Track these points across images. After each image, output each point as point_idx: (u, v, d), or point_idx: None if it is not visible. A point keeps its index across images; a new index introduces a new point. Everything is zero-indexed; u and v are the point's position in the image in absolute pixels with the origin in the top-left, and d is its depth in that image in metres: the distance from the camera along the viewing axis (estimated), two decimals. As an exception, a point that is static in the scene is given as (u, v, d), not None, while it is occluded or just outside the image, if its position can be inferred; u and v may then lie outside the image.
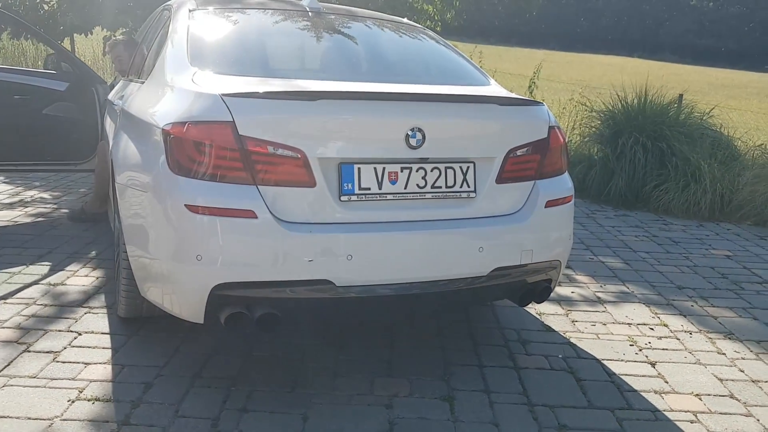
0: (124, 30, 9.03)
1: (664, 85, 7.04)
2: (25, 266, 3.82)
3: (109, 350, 2.86)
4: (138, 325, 3.08)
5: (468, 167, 2.63)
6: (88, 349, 2.87)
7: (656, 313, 3.60)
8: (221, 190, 2.35)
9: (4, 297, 3.36)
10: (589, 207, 6.24)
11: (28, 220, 4.85)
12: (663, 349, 3.16)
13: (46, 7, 8.92)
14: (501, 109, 2.72)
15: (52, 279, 3.65)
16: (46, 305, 3.29)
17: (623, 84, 7.03)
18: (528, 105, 2.83)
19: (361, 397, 2.59)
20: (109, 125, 3.80)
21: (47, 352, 2.80)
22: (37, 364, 2.70)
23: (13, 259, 3.93)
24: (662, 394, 2.73)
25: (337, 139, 2.45)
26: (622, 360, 3.02)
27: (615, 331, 3.33)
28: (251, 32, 3.21)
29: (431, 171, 2.57)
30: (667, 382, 2.84)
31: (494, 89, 3.05)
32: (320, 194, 2.42)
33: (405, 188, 2.53)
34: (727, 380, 2.89)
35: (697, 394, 2.75)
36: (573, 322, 3.42)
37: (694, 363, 3.03)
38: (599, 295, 3.84)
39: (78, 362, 2.74)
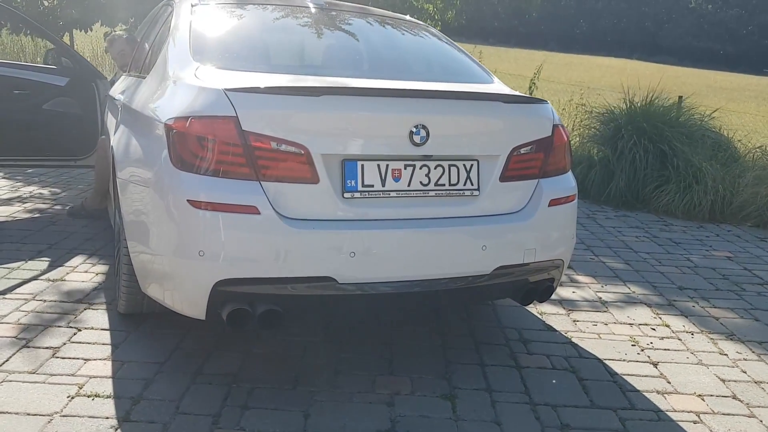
0: (124, 27, 9.02)
1: (664, 88, 7.03)
2: (24, 262, 3.80)
3: (109, 346, 2.85)
4: (138, 322, 3.06)
5: (472, 165, 2.62)
6: (88, 345, 2.85)
7: (658, 314, 3.59)
8: (224, 185, 2.33)
9: (3, 292, 3.34)
10: (590, 207, 6.23)
11: (28, 215, 4.83)
12: (665, 350, 3.15)
13: (46, 3, 8.90)
14: (505, 106, 2.71)
15: (52, 275, 3.63)
16: (45, 301, 3.27)
17: (624, 86, 7.02)
18: (532, 103, 2.82)
19: (363, 394, 2.58)
20: (110, 121, 3.78)
21: (47, 348, 2.79)
22: (36, 360, 2.68)
23: (13, 254, 3.91)
24: (665, 395, 2.72)
25: (341, 135, 2.44)
26: (624, 360, 3.01)
27: (617, 332, 3.32)
28: (254, 27, 3.20)
29: (435, 168, 2.56)
30: (669, 383, 2.83)
31: (498, 87, 3.04)
32: (323, 191, 2.40)
33: (408, 186, 2.52)
34: (729, 381, 2.88)
35: (699, 395, 2.74)
36: (574, 322, 3.41)
37: (696, 363, 3.02)
38: (600, 295, 3.83)
39: (78, 358, 2.73)
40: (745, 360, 3.10)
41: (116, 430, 2.26)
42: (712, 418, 2.57)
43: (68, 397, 2.43)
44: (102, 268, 3.78)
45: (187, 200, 2.33)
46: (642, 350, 3.13)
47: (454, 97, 2.64)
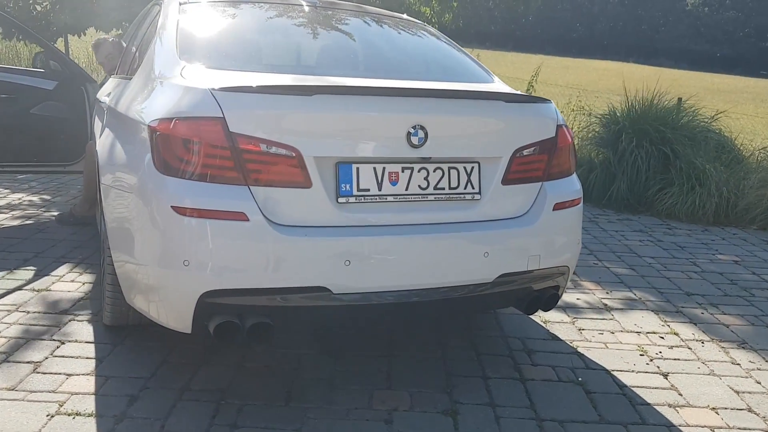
0: (119, 32, 8.90)
1: (661, 90, 6.92)
2: (8, 271, 3.66)
3: (93, 360, 2.71)
4: (124, 334, 2.93)
5: (473, 167, 2.49)
6: (71, 359, 2.72)
7: (666, 321, 3.46)
8: (210, 190, 2.20)
9: (-15, 303, 3.21)
10: (591, 211, 6.10)
11: (15, 222, 4.69)
12: (675, 359, 3.02)
13: (38, 8, 8.78)
14: (507, 106, 2.58)
15: (37, 284, 3.50)
16: (29, 312, 3.13)
17: (624, 88, 6.90)
18: (535, 102, 2.69)
19: (360, 411, 2.44)
20: (97, 124, 3.65)
21: (27, 363, 2.65)
22: (16, 376, 2.55)
23: (-3, 263, 3.78)
24: (676, 408, 2.59)
25: (335, 137, 2.31)
26: (632, 371, 2.88)
27: (624, 340, 3.19)
28: (244, 26, 3.07)
29: (434, 171, 2.43)
30: (681, 395, 2.70)
31: (498, 86, 2.92)
32: (316, 195, 2.27)
33: (406, 189, 2.39)
34: (743, 392, 2.75)
35: (713, 408, 2.61)
36: (580, 330, 3.28)
37: (708, 374, 2.89)
38: (606, 302, 3.70)
39: (59, 373, 2.59)
40: (759, 370, 2.97)
41: (97, 451, 2.13)
42: (728, 433, 2.44)
43: (48, 415, 2.30)
44: (89, 277, 3.65)
45: (172, 206, 2.20)
46: (651, 360, 3.00)
47: (454, 96, 2.51)
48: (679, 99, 7.20)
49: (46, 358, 2.71)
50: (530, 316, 3.39)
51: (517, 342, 3.09)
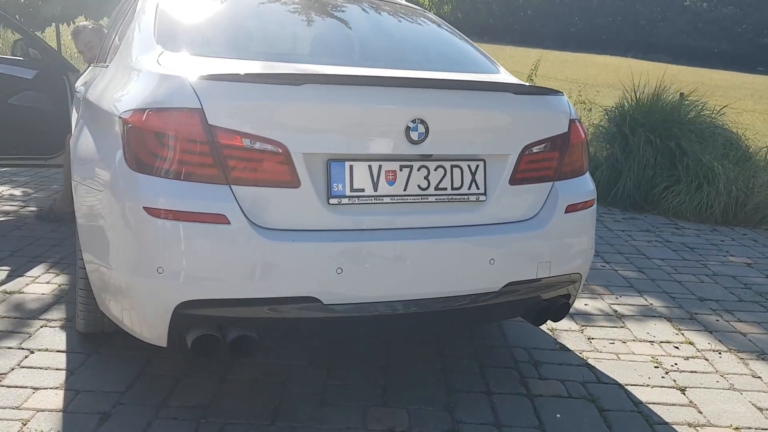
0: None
1: (662, 85, 6.70)
2: (-20, 272, 3.44)
3: (64, 372, 2.49)
4: (99, 342, 2.71)
5: (477, 166, 2.26)
6: (40, 370, 2.50)
7: (680, 329, 3.25)
8: (187, 190, 1.97)
9: (-49, 308, 2.99)
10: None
11: (-8, 219, 4.47)
12: (691, 372, 2.81)
13: (27, -5, 8.53)
14: (516, 98, 2.35)
15: (9, 286, 3.28)
16: (-3, 317, 2.91)
17: (630, 81, 6.67)
18: (546, 95, 2.46)
19: (353, 431, 2.22)
20: (73, 116, 3.42)
21: (-9, 375, 2.44)
22: (-24, 390, 2.33)
23: (-32, 263, 3.56)
24: (697, 428, 2.38)
25: (325, 131, 2.08)
26: (647, 385, 2.67)
27: (636, 351, 2.98)
28: (231, 10, 2.82)
29: (435, 170, 2.21)
30: (700, 412, 2.49)
31: (505, 77, 2.69)
32: (305, 196, 2.05)
33: (404, 190, 2.17)
34: (767, 410, 2.54)
35: (736, 428, 2.40)
36: (589, 339, 3.06)
37: (728, 389, 2.68)
38: (616, 308, 3.48)
39: (26, 387, 2.38)
40: (782, 384, 2.76)
41: (58, 480, 1.91)
42: (755, 458, 2.23)
43: (8, 437, 2.08)
44: (65, 278, 3.42)
45: (144, 207, 1.97)
46: (666, 373, 2.79)
47: (457, 87, 2.28)
48: (681, 94, 6.97)
49: (13, 369, 2.49)
50: (536, 324, 3.18)
51: (522, 353, 2.88)
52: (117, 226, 2.09)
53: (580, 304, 3.49)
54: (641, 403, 2.53)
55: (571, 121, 2.46)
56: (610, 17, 67.26)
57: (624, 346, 3.02)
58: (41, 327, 2.86)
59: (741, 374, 2.82)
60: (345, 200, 2.09)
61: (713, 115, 6.65)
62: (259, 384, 2.49)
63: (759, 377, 2.81)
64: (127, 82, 2.34)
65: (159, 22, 2.51)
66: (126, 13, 3.18)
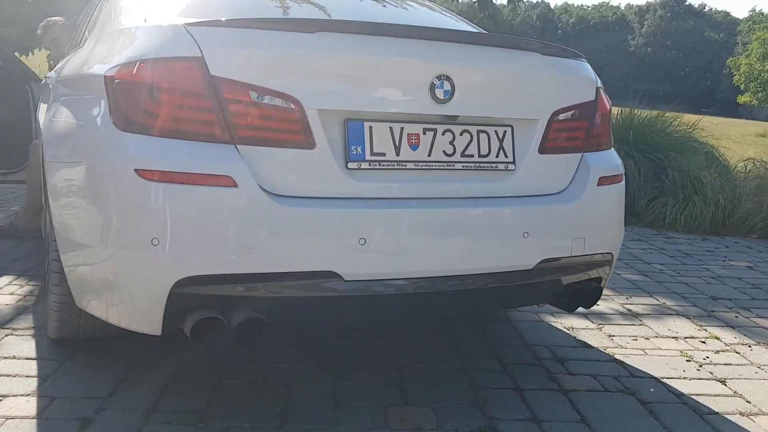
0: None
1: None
2: (-67, 285, 3.08)
3: (35, 379, 2.17)
4: (73, 349, 2.38)
5: (505, 132, 2.05)
6: (7, 378, 2.17)
7: (701, 326, 3.06)
8: (185, 149, 1.71)
9: None
10: (582, 223, 5.73)
11: (-54, 237, 4.08)
12: (726, 364, 2.60)
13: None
14: (545, 59, 2.13)
15: (-33, 298, 2.93)
16: (-45, 328, 2.57)
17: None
18: (572, 58, 2.27)
19: (375, 431, 1.95)
20: (42, 109, 3.12)
21: (-51, 385, 2.09)
22: (-67, 401, 1.99)
23: None
24: (750, 416, 2.16)
25: (343, 86, 1.85)
26: (685, 378, 2.45)
27: (663, 346, 2.76)
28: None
29: (460, 135, 1.99)
30: (749, 402, 2.27)
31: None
32: (321, 159, 1.81)
33: (429, 156, 1.94)
34: (815, 399, 2.34)
35: (789, 417, 2.19)
36: (610, 336, 2.84)
37: (769, 379, 2.48)
38: (629, 307, 3.28)
39: (-9, 396, 2.05)
40: (823, 374, 2.57)
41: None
42: (820, 446, 2.01)
43: (-29, 448, 1.75)
44: (30, 289, 3.08)
45: (135, 170, 1.70)
46: (701, 366, 2.57)
47: (485, 43, 2.07)
48: (659, 112, 6.95)
49: (-26, 379, 2.16)
50: (551, 323, 2.95)
51: (544, 350, 2.64)
52: (103, 197, 1.80)
53: (592, 304, 3.27)
54: (683, 395, 2.31)
55: (598, 89, 2.28)
56: (561, 61, 69.04)
57: (648, 342, 2.81)
58: (6, 336, 2.52)
59: (776, 366, 2.63)
60: (365, 164, 1.86)
61: (689, 130, 6.63)
62: (259, 388, 2.20)
63: (796, 368, 2.62)
64: (107, 46, 2.09)
65: None
66: (96, 6, 2.94)
